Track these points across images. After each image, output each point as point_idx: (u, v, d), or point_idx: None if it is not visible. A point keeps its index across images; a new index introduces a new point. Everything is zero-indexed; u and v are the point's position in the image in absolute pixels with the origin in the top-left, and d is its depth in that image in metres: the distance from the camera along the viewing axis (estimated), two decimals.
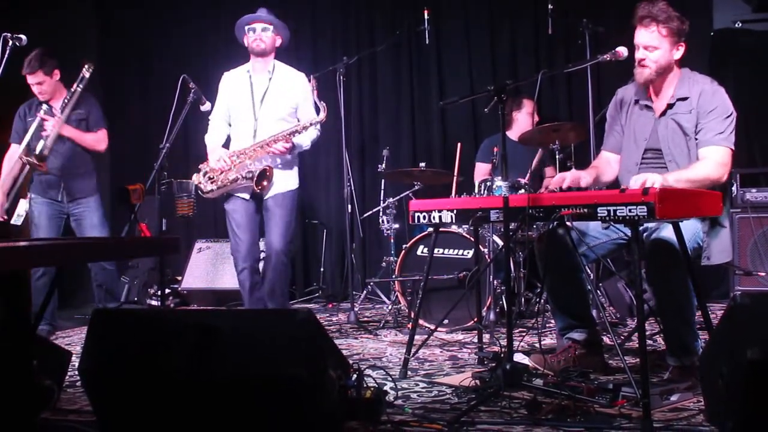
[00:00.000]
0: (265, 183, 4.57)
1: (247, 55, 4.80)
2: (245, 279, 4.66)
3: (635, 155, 3.46)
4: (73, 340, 5.01)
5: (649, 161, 3.41)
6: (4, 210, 5.17)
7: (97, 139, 5.27)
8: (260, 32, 4.67)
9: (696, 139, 3.28)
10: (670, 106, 3.36)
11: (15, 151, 5.19)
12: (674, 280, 3.12)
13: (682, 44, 3.33)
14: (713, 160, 3.21)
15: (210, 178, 4.65)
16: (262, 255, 4.90)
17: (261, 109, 4.67)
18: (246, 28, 4.71)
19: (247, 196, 4.65)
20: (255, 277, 4.69)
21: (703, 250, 3.24)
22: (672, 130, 3.34)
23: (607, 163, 3.67)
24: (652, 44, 3.32)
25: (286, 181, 4.72)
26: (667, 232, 3.12)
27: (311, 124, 4.64)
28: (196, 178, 4.72)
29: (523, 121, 5.83)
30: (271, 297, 4.64)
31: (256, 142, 4.60)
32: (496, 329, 4.61)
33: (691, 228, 3.19)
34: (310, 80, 4.70)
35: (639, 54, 3.34)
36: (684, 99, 3.34)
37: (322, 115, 4.63)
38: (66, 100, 5.06)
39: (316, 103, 4.67)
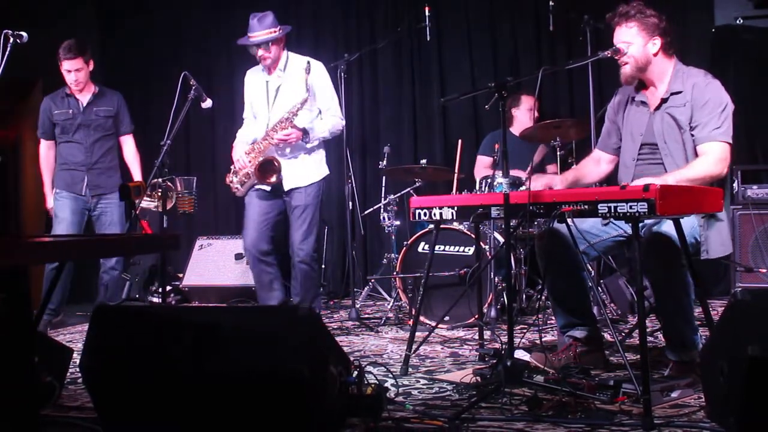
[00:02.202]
0: (272, 178, 4.58)
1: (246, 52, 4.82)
2: (253, 267, 4.82)
3: (632, 151, 3.47)
4: (74, 336, 5.02)
5: (646, 156, 3.42)
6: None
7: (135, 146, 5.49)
8: (261, 52, 4.66)
9: (692, 134, 3.28)
10: (664, 100, 3.37)
11: (48, 147, 5.34)
12: (672, 272, 3.12)
13: (657, 37, 3.33)
14: (713, 156, 3.21)
15: (238, 177, 4.72)
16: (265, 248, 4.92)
17: (273, 106, 4.72)
18: (247, 46, 4.71)
19: (267, 187, 4.69)
20: (265, 268, 4.75)
21: (701, 244, 3.23)
22: (667, 124, 3.35)
23: (596, 162, 3.70)
24: (625, 40, 3.35)
25: (306, 170, 4.73)
26: (665, 225, 3.12)
27: (298, 108, 4.58)
28: (228, 179, 4.80)
29: (522, 117, 5.83)
30: None
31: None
32: (497, 326, 4.61)
33: (689, 223, 3.19)
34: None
35: (619, 53, 3.36)
36: (678, 93, 3.34)
37: (306, 95, 4.59)
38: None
39: (306, 82, 4.63)
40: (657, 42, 3.34)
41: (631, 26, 3.33)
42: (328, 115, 4.75)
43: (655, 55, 3.35)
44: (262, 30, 4.62)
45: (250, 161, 4.65)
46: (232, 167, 4.79)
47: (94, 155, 5.27)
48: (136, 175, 5.37)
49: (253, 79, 4.87)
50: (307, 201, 4.69)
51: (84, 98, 5.26)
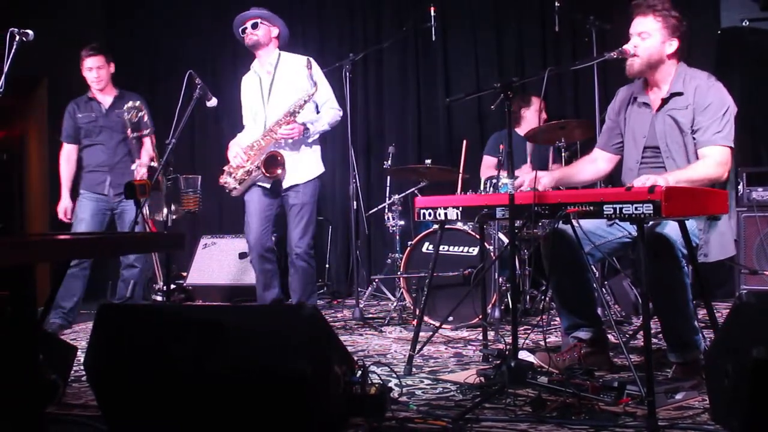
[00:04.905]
0: (278, 171, 4.63)
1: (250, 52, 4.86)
2: (255, 264, 4.83)
3: (635, 154, 3.46)
4: (79, 335, 5.02)
5: (648, 160, 3.41)
6: (70, 211, 5.34)
7: (152, 146, 5.43)
8: (249, 29, 4.74)
9: (694, 138, 3.27)
10: (665, 101, 3.35)
11: (70, 151, 5.40)
12: (668, 274, 3.11)
13: (675, 39, 3.31)
14: (713, 160, 3.20)
15: (234, 177, 4.73)
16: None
17: (269, 102, 4.75)
18: (240, 30, 4.78)
19: (267, 185, 4.73)
20: (266, 265, 4.79)
21: (700, 247, 3.22)
22: (669, 126, 3.34)
23: (592, 161, 3.69)
24: (646, 30, 3.31)
25: (304, 167, 4.77)
26: (664, 227, 3.11)
27: (305, 101, 4.64)
28: (222, 180, 4.81)
29: (531, 118, 5.83)
30: None
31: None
32: (501, 326, 4.61)
33: (687, 227, 3.18)
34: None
35: (631, 42, 3.33)
36: (679, 94, 3.32)
37: (313, 89, 4.65)
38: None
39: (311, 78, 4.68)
40: (674, 44, 3.32)
41: (657, 20, 3.29)
42: (326, 107, 4.81)
43: (669, 56, 3.34)
44: (255, 11, 4.77)
45: (248, 159, 4.68)
46: (225, 168, 4.83)
47: (116, 155, 5.33)
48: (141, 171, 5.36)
49: (248, 82, 4.94)
50: (304, 199, 4.74)
51: (106, 101, 5.36)
